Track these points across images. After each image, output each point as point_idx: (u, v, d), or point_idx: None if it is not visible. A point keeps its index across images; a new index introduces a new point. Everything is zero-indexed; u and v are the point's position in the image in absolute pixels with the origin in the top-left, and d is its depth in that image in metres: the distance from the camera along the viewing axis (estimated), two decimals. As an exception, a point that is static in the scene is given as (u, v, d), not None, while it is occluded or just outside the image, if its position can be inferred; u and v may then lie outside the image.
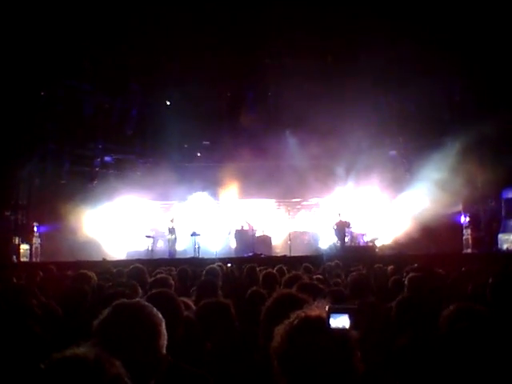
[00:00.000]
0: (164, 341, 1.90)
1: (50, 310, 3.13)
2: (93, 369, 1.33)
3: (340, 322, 1.55)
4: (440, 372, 2.04)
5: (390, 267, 8.30)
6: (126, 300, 2.01)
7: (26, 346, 2.15)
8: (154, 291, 2.82)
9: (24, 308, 2.83)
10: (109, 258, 15.41)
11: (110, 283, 5.18)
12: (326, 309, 1.59)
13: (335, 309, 1.58)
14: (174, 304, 2.57)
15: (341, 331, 1.55)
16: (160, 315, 1.92)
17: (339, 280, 6.27)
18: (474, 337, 2.01)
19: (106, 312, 1.90)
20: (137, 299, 2.00)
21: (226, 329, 2.96)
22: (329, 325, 1.55)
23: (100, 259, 15.00)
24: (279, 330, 1.67)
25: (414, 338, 2.49)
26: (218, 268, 6.48)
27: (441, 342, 2.00)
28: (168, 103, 20.08)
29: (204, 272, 6.21)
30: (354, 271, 6.77)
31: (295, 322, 1.65)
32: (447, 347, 1.98)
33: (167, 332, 1.91)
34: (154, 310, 1.93)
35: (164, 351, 1.90)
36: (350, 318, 1.55)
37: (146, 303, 1.96)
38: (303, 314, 1.66)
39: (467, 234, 17.03)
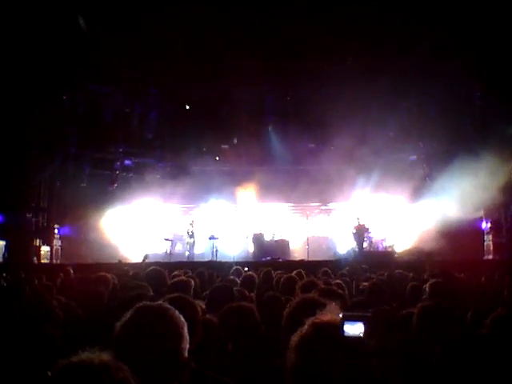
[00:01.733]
0: (186, 344, 1.89)
1: (70, 311, 3.15)
2: (98, 374, 1.32)
3: (354, 329, 1.52)
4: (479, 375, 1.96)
5: (410, 274, 8.19)
6: (148, 302, 2.01)
7: (41, 350, 2.15)
8: (171, 295, 2.78)
9: (45, 309, 2.85)
10: (128, 261, 15.51)
11: (128, 285, 5.19)
12: (340, 316, 1.55)
13: (349, 316, 1.55)
14: (191, 309, 2.55)
15: (355, 339, 1.51)
16: (182, 318, 1.92)
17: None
18: None
19: (128, 314, 1.90)
20: (159, 302, 1.99)
21: (249, 333, 2.92)
22: (343, 332, 1.52)
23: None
24: (292, 342, 1.62)
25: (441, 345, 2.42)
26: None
27: (485, 345, 1.92)
28: (187, 107, 20.18)
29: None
30: (373, 277, 6.69)
31: (304, 331, 1.60)
32: (491, 351, 1.91)
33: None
34: (177, 312, 1.93)
35: (186, 354, 1.89)
36: (365, 325, 1.52)
37: (169, 306, 1.96)
38: (313, 321, 1.60)
39: (488, 240, 16.76)
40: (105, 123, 18.84)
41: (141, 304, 1.97)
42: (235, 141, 20.16)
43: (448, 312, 3.15)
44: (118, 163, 19.82)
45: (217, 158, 20.89)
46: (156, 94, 19.62)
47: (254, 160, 19.82)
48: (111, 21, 15.98)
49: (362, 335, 1.51)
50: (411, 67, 17.21)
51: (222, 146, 20.75)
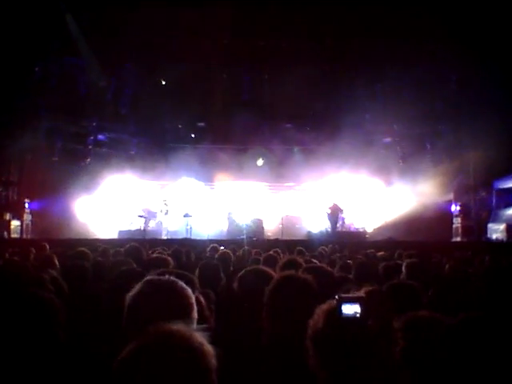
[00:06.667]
0: (196, 314, 1.92)
1: (59, 285, 3.15)
2: (192, 359, 1.28)
3: (351, 311, 1.56)
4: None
5: (380, 253, 8.40)
6: (156, 276, 2.05)
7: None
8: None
9: (37, 282, 2.84)
10: (97, 237, 15.43)
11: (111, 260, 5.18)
12: (336, 298, 1.59)
13: (345, 298, 1.58)
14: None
15: (353, 320, 1.55)
16: (190, 290, 1.95)
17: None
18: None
19: (137, 287, 1.92)
20: (166, 276, 2.01)
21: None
22: (340, 314, 1.56)
23: (91, 237, 15.03)
24: (321, 309, 1.66)
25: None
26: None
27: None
28: (163, 83, 19.89)
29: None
30: (350, 257, 6.81)
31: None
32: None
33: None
34: (184, 284, 1.96)
35: (195, 325, 1.92)
36: (361, 306, 1.56)
37: (176, 279, 1.98)
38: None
39: (457, 222, 17.20)
40: (78, 96, 18.45)
41: (149, 277, 2.01)
42: (210, 119, 19.99)
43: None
44: (91, 138, 19.50)
45: (192, 136, 20.74)
46: (131, 68, 19.27)
47: (230, 139, 19.75)
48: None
49: (359, 315, 1.56)
50: (387, 49, 17.31)
51: (198, 124, 20.59)
